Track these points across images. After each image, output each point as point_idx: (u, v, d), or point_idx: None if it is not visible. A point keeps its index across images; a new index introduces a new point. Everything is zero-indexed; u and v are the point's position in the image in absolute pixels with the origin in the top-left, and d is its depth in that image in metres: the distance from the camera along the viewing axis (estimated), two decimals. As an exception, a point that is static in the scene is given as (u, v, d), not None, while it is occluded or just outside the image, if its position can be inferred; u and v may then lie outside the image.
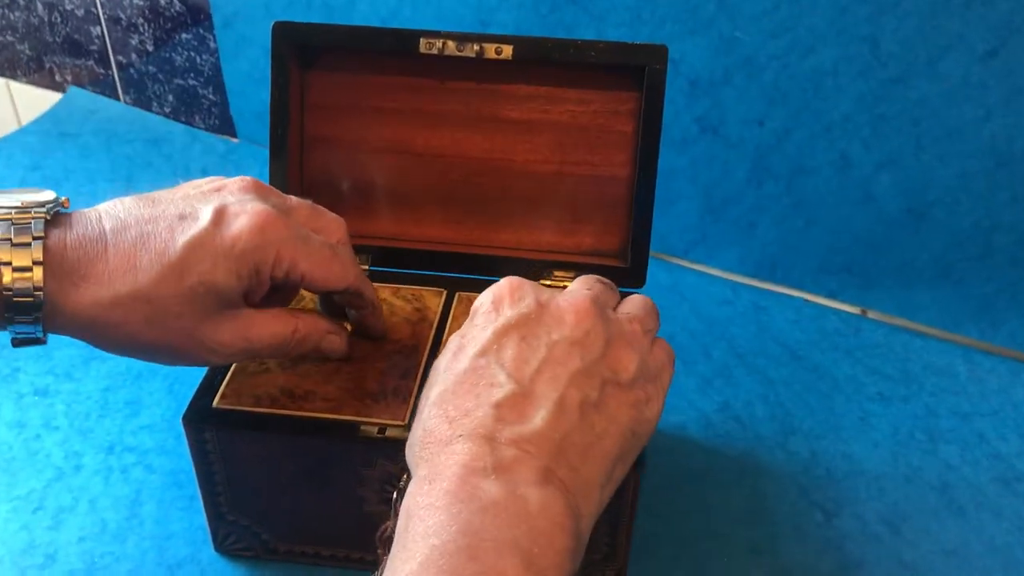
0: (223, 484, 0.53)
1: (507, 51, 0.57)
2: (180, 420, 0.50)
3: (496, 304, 0.44)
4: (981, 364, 0.72)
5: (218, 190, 0.48)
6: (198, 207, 0.45)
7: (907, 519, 0.61)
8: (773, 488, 0.62)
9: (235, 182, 0.48)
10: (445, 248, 0.62)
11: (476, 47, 0.57)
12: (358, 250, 0.61)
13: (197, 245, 0.44)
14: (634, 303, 0.47)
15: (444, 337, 0.56)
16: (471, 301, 0.58)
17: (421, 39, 0.57)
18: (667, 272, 0.81)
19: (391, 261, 0.61)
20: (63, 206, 0.45)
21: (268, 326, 0.48)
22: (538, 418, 0.39)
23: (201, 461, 0.51)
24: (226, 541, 0.56)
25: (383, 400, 0.51)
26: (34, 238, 0.42)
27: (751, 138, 0.73)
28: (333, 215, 0.52)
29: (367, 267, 0.61)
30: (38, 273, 0.42)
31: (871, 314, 0.76)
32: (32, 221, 0.43)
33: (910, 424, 0.67)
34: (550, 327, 0.42)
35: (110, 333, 0.44)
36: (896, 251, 0.73)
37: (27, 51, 1.06)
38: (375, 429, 0.50)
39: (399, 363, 0.54)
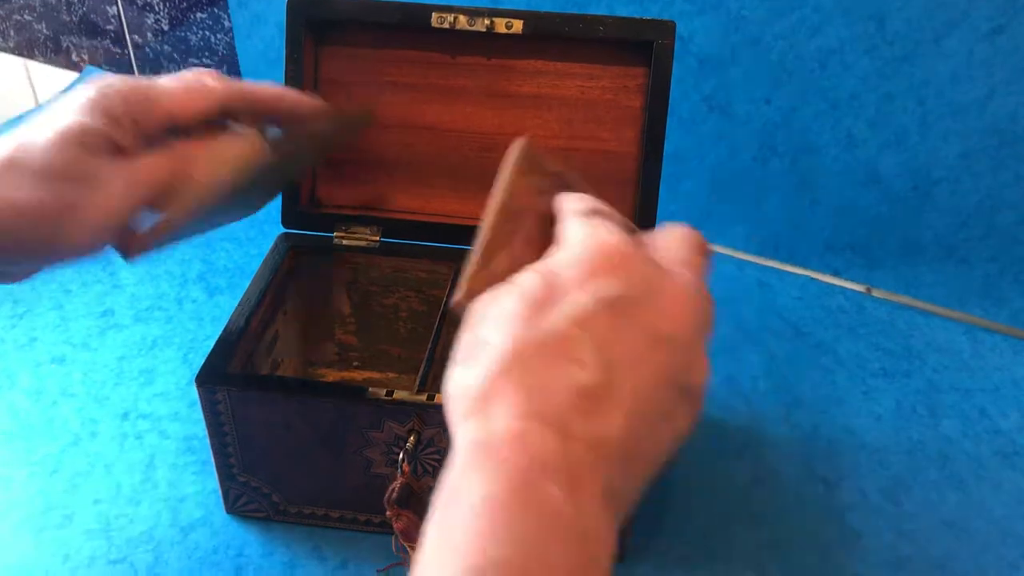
0: (234, 445, 0.54)
1: (517, 26, 0.58)
2: (193, 382, 0.52)
3: (607, 264, 0.37)
4: (984, 341, 0.73)
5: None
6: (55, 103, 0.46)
7: (907, 491, 0.61)
8: (776, 460, 0.63)
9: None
10: (455, 221, 0.63)
11: (487, 21, 0.58)
12: (369, 222, 0.62)
13: (50, 109, 0.45)
14: (668, 236, 0.40)
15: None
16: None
17: (433, 13, 0.58)
18: (674, 250, 0.82)
19: (402, 234, 0.62)
20: None
21: (147, 162, 0.46)
22: (617, 420, 0.34)
23: (213, 422, 0.53)
24: (237, 502, 0.57)
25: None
26: None
27: (758, 116, 0.74)
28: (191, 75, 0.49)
29: (378, 239, 0.62)
30: None
31: (876, 292, 0.77)
32: None
33: (912, 399, 0.68)
34: (655, 318, 0.36)
35: None
36: (901, 230, 0.74)
37: (44, 31, 1.07)
38: (383, 392, 0.51)
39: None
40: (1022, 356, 0.72)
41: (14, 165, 0.43)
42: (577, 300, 0.35)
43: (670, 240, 0.40)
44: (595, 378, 0.34)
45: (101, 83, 0.45)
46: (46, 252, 0.45)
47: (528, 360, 0.34)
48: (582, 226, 0.38)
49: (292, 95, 0.51)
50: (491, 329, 0.36)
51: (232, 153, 0.48)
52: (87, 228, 0.44)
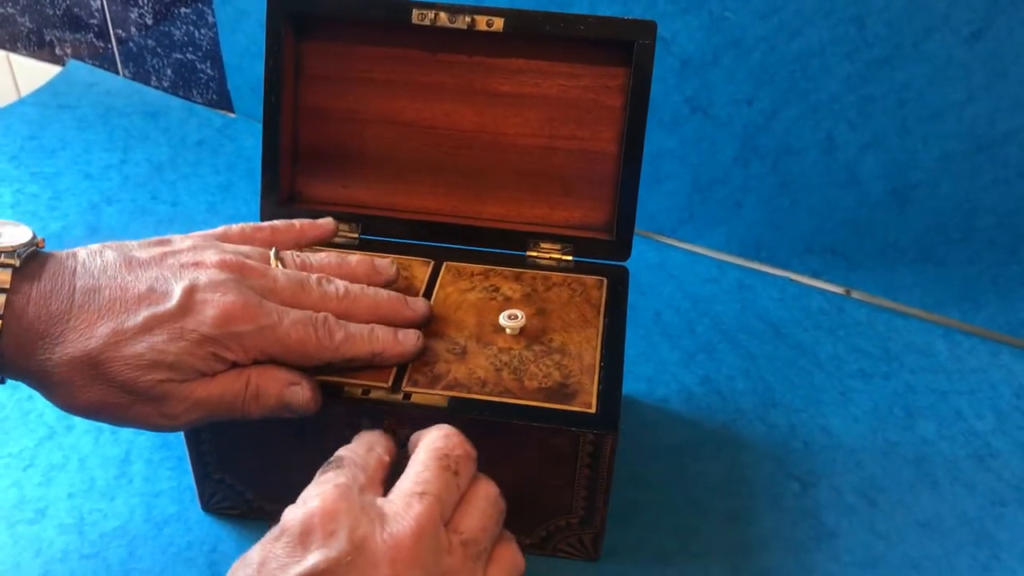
0: (210, 442, 0.54)
1: (498, 23, 0.58)
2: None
3: (304, 535, 0.38)
4: (961, 344, 0.73)
5: (196, 265, 0.47)
6: (171, 284, 0.45)
7: (883, 491, 0.62)
8: (752, 459, 0.64)
9: (215, 257, 0.47)
10: (434, 219, 0.63)
11: (467, 19, 0.58)
12: (347, 218, 0.62)
13: (156, 324, 0.44)
14: (473, 509, 0.42)
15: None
16: (459, 271, 0.59)
17: (413, 10, 0.58)
18: (655, 250, 0.82)
19: (380, 230, 0.62)
20: (38, 247, 0.45)
21: (216, 385, 0.46)
22: None
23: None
24: (212, 500, 0.57)
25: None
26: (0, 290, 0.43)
27: (739, 118, 0.74)
28: (329, 287, 0.50)
29: (357, 235, 0.62)
30: None
31: (855, 294, 0.77)
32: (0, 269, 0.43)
33: (889, 400, 0.68)
34: None
35: (57, 391, 0.44)
36: (880, 232, 0.74)
37: (27, 24, 1.07)
38: (359, 390, 0.51)
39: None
40: (999, 359, 0.72)
41: (97, 368, 0.43)
42: None
43: (417, 465, 0.42)
44: None
45: (232, 311, 0.45)
46: (122, 425, 0.47)
47: None
48: (293, 509, 0.40)
49: (386, 355, 0.51)
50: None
51: (292, 399, 0.48)
52: (151, 425, 0.46)
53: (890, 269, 0.75)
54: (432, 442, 0.43)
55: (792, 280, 0.79)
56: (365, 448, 0.45)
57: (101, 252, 0.46)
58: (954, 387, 0.70)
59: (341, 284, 0.51)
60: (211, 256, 0.48)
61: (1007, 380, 0.70)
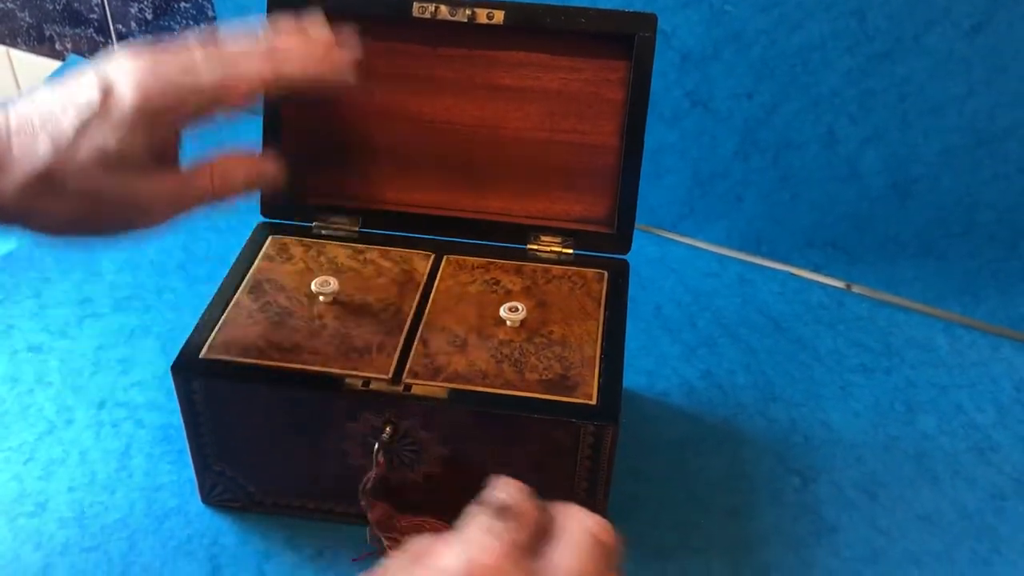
0: (210, 434, 0.54)
1: (498, 16, 0.58)
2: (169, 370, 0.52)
3: None
4: (961, 338, 0.73)
5: (109, 61, 0.47)
6: (86, 84, 0.45)
7: (883, 486, 0.62)
8: (752, 454, 0.64)
9: (120, 50, 0.47)
10: (435, 212, 0.63)
11: (468, 11, 0.58)
12: (348, 212, 0.62)
13: (86, 122, 0.44)
14: (571, 547, 0.35)
15: (431, 297, 0.57)
16: (459, 264, 0.59)
17: (414, 3, 0.58)
18: (655, 245, 0.82)
19: (381, 224, 0.62)
20: None
21: (181, 179, 0.48)
22: None
23: (189, 411, 0.53)
24: (212, 492, 0.57)
25: (368, 355, 0.52)
26: None
27: (740, 112, 0.74)
28: (237, 48, 0.48)
29: (357, 229, 0.62)
30: None
31: (856, 288, 0.77)
32: None
33: (890, 395, 0.68)
34: None
35: (31, 217, 0.46)
36: (880, 226, 0.74)
37: (27, 19, 1.06)
38: (360, 382, 0.51)
39: (385, 321, 0.55)
40: (999, 352, 0.72)
41: (53, 182, 0.44)
42: None
43: (572, 551, 0.35)
44: None
45: (142, 75, 0.44)
46: (106, 232, 0.48)
47: None
48: (474, 528, 0.34)
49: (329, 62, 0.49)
50: None
51: (257, 176, 0.50)
52: (132, 222, 0.48)
53: (891, 263, 0.75)
54: (587, 525, 0.36)
55: (793, 274, 0.79)
56: (527, 501, 0.37)
57: (33, 95, 0.46)
58: (955, 381, 0.70)
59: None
60: (123, 50, 0.48)
61: (1008, 374, 0.70)
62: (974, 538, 0.59)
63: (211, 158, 0.49)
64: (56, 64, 1.06)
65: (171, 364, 0.52)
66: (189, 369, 0.51)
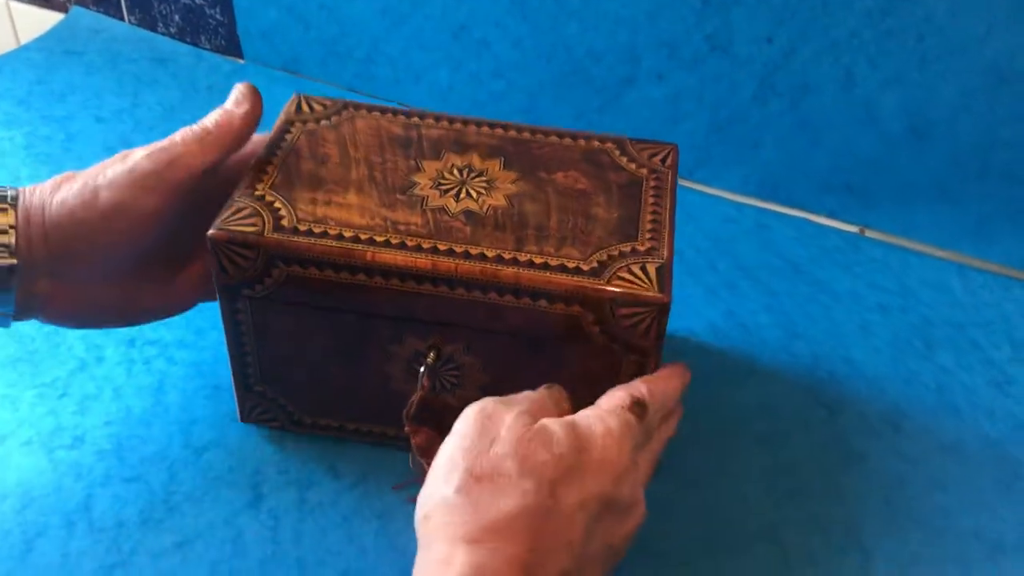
0: (253, 355, 0.54)
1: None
2: (217, 287, 0.51)
3: (614, 471, 0.43)
4: (975, 279, 0.74)
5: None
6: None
7: (907, 417, 0.63)
8: (779, 387, 0.65)
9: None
10: None
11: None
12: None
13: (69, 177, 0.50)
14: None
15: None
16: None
17: None
18: (671, 192, 0.83)
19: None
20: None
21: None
22: None
23: (233, 331, 0.53)
24: (252, 412, 0.57)
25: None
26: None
27: (759, 56, 0.74)
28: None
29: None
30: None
31: (869, 232, 0.78)
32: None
33: (908, 333, 0.70)
34: (624, 531, 0.44)
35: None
36: (896, 171, 0.75)
37: (27, -29, 1.05)
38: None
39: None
40: (1011, 293, 0.73)
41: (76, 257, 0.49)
42: (589, 490, 0.41)
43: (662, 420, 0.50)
44: (573, 567, 0.40)
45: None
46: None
47: (542, 526, 0.39)
48: (614, 420, 0.45)
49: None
50: (518, 470, 0.40)
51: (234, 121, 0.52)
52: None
53: (905, 207, 0.76)
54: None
55: (809, 220, 0.80)
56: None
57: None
58: (970, 319, 0.71)
59: None
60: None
61: (1021, 313, 0.71)
62: (995, 466, 0.60)
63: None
64: (58, 16, 1.05)
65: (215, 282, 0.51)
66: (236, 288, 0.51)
